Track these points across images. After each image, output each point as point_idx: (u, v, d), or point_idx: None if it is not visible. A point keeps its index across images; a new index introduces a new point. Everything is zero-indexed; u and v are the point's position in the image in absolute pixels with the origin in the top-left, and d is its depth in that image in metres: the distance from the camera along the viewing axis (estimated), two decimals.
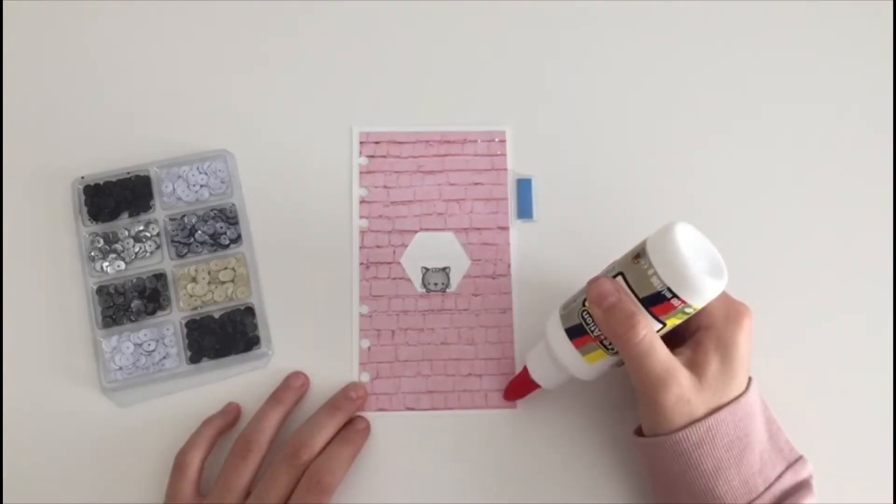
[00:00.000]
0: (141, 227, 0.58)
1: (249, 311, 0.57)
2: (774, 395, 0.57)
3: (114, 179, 0.59)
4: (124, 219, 0.59)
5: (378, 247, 0.60)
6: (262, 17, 0.64)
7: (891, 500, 0.56)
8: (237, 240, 0.58)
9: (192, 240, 0.58)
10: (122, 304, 0.57)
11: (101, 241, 0.58)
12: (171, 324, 0.57)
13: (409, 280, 0.59)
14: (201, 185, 0.59)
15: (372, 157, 0.61)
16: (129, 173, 0.59)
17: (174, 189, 0.59)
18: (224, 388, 0.57)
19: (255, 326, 0.57)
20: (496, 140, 0.62)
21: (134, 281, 0.57)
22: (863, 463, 0.56)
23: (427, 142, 0.62)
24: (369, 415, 0.57)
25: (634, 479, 0.56)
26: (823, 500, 0.55)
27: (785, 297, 0.59)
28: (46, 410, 0.56)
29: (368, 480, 0.56)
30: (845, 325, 0.59)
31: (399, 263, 0.59)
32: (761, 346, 0.58)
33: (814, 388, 0.58)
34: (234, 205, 0.59)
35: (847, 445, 0.56)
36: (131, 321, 0.57)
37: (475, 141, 0.62)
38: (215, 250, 0.58)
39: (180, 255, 0.58)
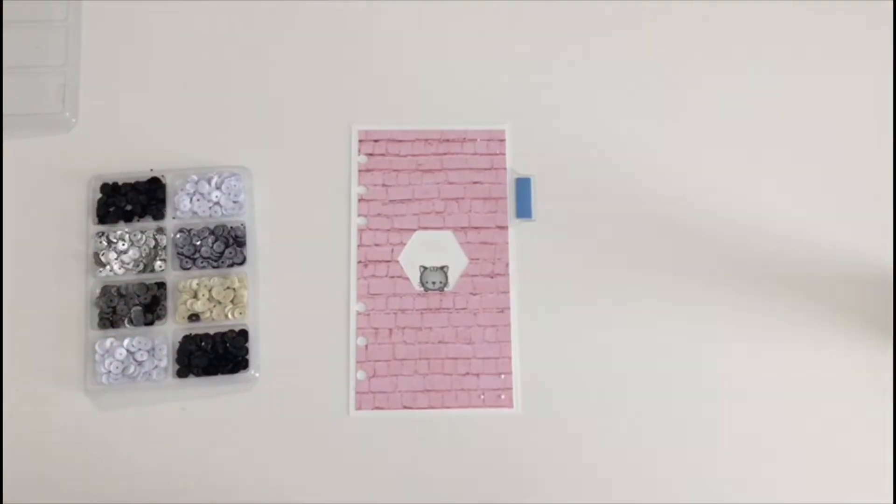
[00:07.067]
0: (150, 234, 0.58)
1: (243, 333, 0.57)
2: (777, 394, 0.57)
3: (131, 181, 0.59)
4: (135, 223, 0.58)
5: (376, 245, 0.60)
6: (261, 16, 0.64)
7: (891, 500, 0.55)
8: (243, 261, 0.58)
9: (197, 255, 0.58)
10: (124, 308, 0.57)
11: (109, 241, 0.58)
12: (165, 336, 0.57)
13: (407, 279, 0.59)
14: (215, 202, 0.59)
15: (371, 155, 0.61)
16: (145, 178, 0.59)
17: (190, 201, 0.59)
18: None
19: (247, 350, 0.57)
20: (496, 139, 0.62)
21: (136, 286, 0.57)
22: (862, 463, 0.56)
23: (426, 140, 0.62)
24: (367, 413, 0.57)
25: (633, 478, 0.56)
26: (823, 499, 0.55)
27: (785, 296, 0.59)
28: (34, 406, 0.57)
29: (365, 479, 0.56)
30: (843, 326, 0.59)
31: (397, 262, 0.59)
32: (764, 344, 0.58)
33: (815, 387, 0.57)
34: (244, 225, 0.59)
35: (846, 445, 0.56)
36: (131, 324, 0.57)
37: (475, 140, 0.62)
38: (219, 267, 0.58)
39: (184, 268, 0.58)
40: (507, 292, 0.59)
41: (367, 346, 0.58)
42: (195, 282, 0.57)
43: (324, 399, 0.57)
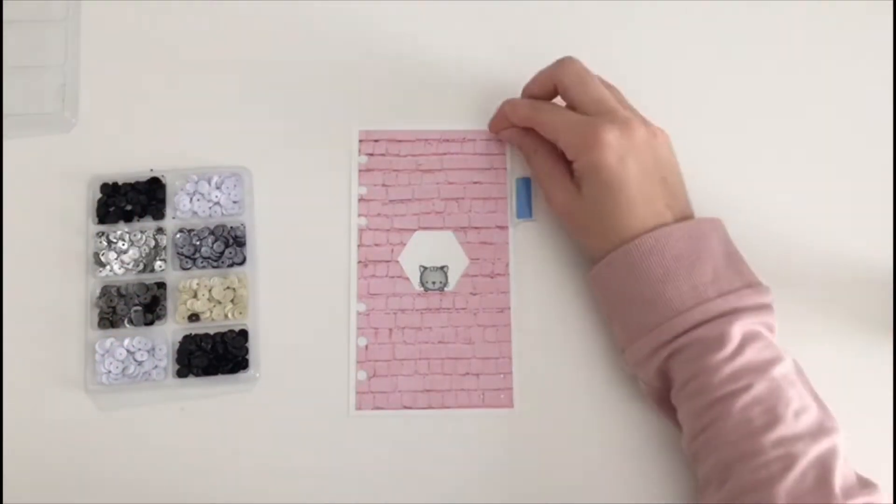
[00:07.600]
0: (150, 234, 0.58)
1: (243, 333, 0.57)
2: None
3: (131, 181, 0.59)
4: (135, 223, 0.58)
5: (376, 245, 0.60)
6: (261, 16, 0.64)
7: (891, 500, 0.55)
8: (243, 261, 0.58)
9: (197, 255, 0.58)
10: (124, 308, 0.57)
11: (109, 241, 0.58)
12: (165, 336, 0.57)
13: (407, 279, 0.59)
14: (215, 202, 0.59)
15: (371, 155, 0.61)
16: (145, 178, 0.59)
17: (190, 201, 0.59)
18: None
19: (247, 350, 0.57)
20: (495, 139, 0.62)
21: (136, 286, 0.57)
22: (862, 463, 0.56)
23: (426, 140, 0.62)
24: (366, 413, 0.57)
25: (633, 478, 0.56)
26: None
27: (784, 295, 0.59)
28: (34, 406, 0.57)
29: (364, 479, 0.56)
30: (843, 326, 0.59)
31: (397, 262, 0.59)
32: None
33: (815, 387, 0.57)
34: (244, 225, 0.59)
35: (845, 445, 0.56)
36: (132, 324, 0.57)
37: (474, 140, 0.62)
38: (219, 267, 0.58)
39: (184, 268, 0.58)
40: (507, 292, 0.59)
41: (367, 346, 0.58)
42: (195, 282, 0.57)
43: (324, 399, 0.57)
